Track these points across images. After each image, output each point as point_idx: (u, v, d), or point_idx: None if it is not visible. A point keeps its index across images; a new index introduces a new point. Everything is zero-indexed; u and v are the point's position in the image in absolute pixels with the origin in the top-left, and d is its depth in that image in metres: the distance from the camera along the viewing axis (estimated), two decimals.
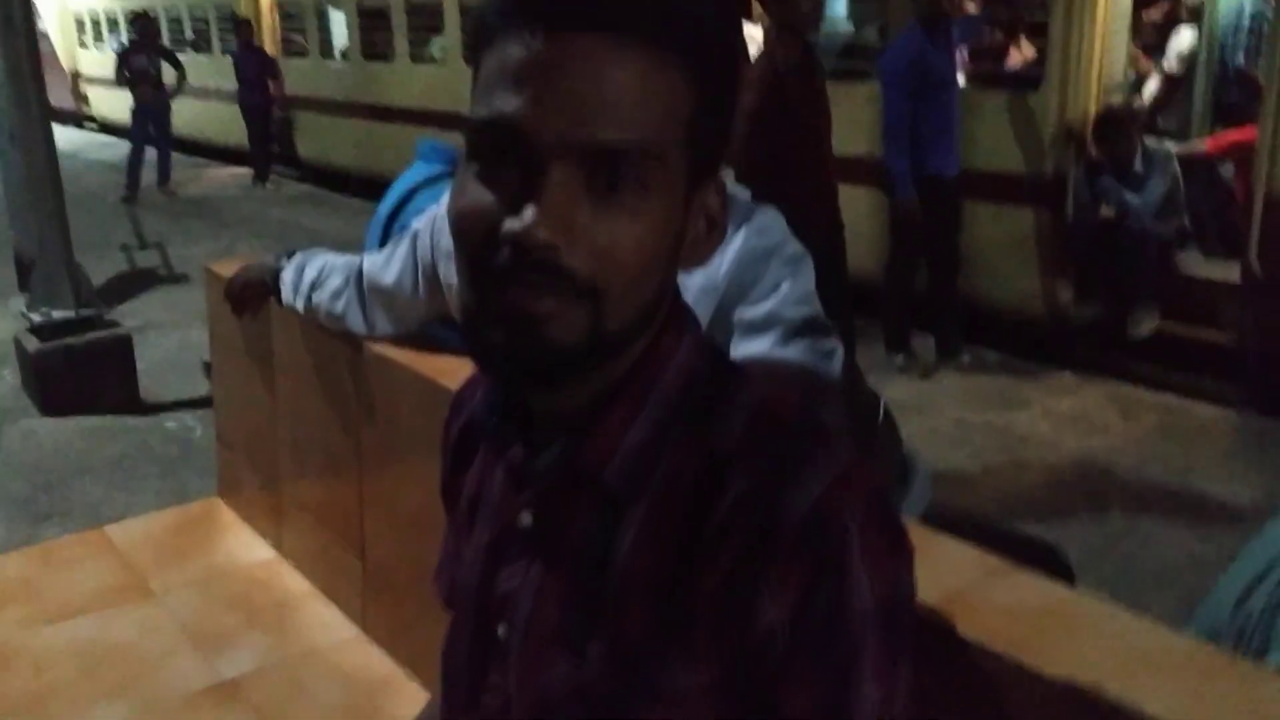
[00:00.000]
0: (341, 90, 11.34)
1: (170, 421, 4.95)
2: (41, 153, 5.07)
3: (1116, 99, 5.65)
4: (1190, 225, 5.58)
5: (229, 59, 11.84)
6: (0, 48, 4.89)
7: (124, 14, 15.49)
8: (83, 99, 18.55)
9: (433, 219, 1.90)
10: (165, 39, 13.41)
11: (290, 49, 12.45)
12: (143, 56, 10.88)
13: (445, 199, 0.93)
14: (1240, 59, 5.82)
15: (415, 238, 1.92)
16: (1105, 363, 5.39)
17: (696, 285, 1.46)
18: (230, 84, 11.62)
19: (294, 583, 2.42)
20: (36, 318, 5.07)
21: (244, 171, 12.39)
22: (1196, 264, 5.55)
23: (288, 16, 12.41)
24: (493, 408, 0.84)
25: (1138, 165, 5.33)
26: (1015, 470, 4.38)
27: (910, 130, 4.92)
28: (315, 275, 2.10)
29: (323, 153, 12.00)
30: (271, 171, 12.02)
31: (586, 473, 0.78)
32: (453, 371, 1.76)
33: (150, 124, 10.99)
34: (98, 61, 17.26)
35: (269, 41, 12.73)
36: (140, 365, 5.27)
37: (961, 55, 5.95)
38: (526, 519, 0.82)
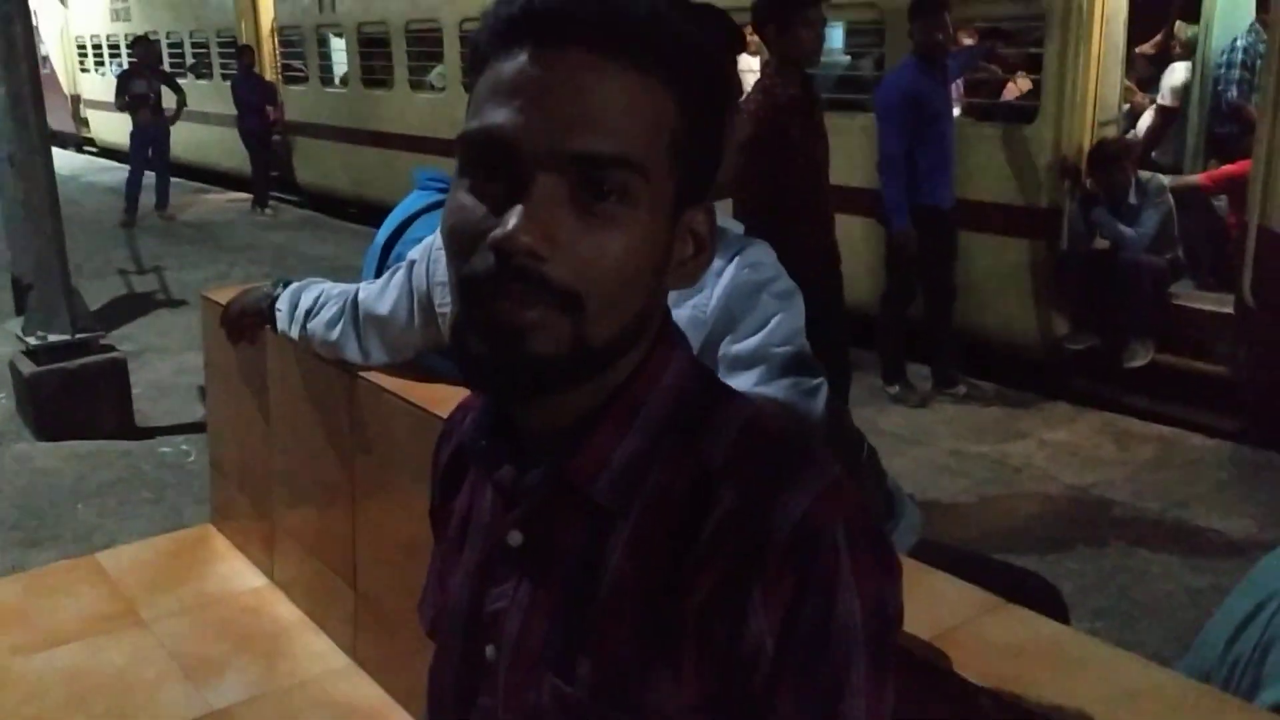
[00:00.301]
0: (341, 117, 11.39)
1: (164, 447, 4.94)
2: (41, 176, 5.08)
3: (1111, 132, 5.69)
4: (1184, 257, 5.60)
5: (229, 84, 11.91)
6: (2, 72, 4.91)
7: (125, 39, 15.59)
8: (83, 122, 18.63)
9: (429, 248, 1.90)
10: (165, 64, 13.49)
11: (290, 75, 12.52)
12: (143, 81, 10.93)
13: None
14: (1234, 93, 5.86)
15: (411, 267, 1.93)
16: (1100, 394, 5.39)
17: (685, 317, 1.47)
18: (230, 109, 11.68)
19: (286, 611, 2.41)
20: (33, 341, 5.07)
21: (242, 197, 12.42)
22: (1191, 296, 5.57)
23: (288, 43, 12.49)
24: (482, 429, 0.85)
25: (1132, 197, 5.36)
26: (1010, 501, 4.37)
27: (906, 162, 4.94)
28: (311, 303, 2.10)
29: (322, 179, 12.04)
30: (270, 197, 12.06)
31: (576, 488, 0.78)
32: (447, 401, 1.75)
33: (149, 148, 11.04)
34: (98, 85, 17.33)
35: (269, 68, 12.80)
36: (135, 390, 5.27)
37: (958, 88, 5.99)
38: (516, 537, 0.82)
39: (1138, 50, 6.67)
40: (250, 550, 2.64)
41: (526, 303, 0.70)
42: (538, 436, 0.81)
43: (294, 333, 2.13)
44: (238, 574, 2.59)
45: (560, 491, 0.79)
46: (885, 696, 0.74)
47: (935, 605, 1.08)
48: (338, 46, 11.75)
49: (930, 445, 4.88)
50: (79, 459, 4.78)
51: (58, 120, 15.10)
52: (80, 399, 5.00)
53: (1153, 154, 6.42)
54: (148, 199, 11.28)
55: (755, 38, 4.09)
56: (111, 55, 16.94)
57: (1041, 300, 5.62)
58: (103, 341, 5.31)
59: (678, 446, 0.78)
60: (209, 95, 13.17)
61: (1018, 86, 6.31)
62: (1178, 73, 6.31)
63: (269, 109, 11.73)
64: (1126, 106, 6.37)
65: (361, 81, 11.13)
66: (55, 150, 5.58)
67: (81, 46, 18.37)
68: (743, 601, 0.71)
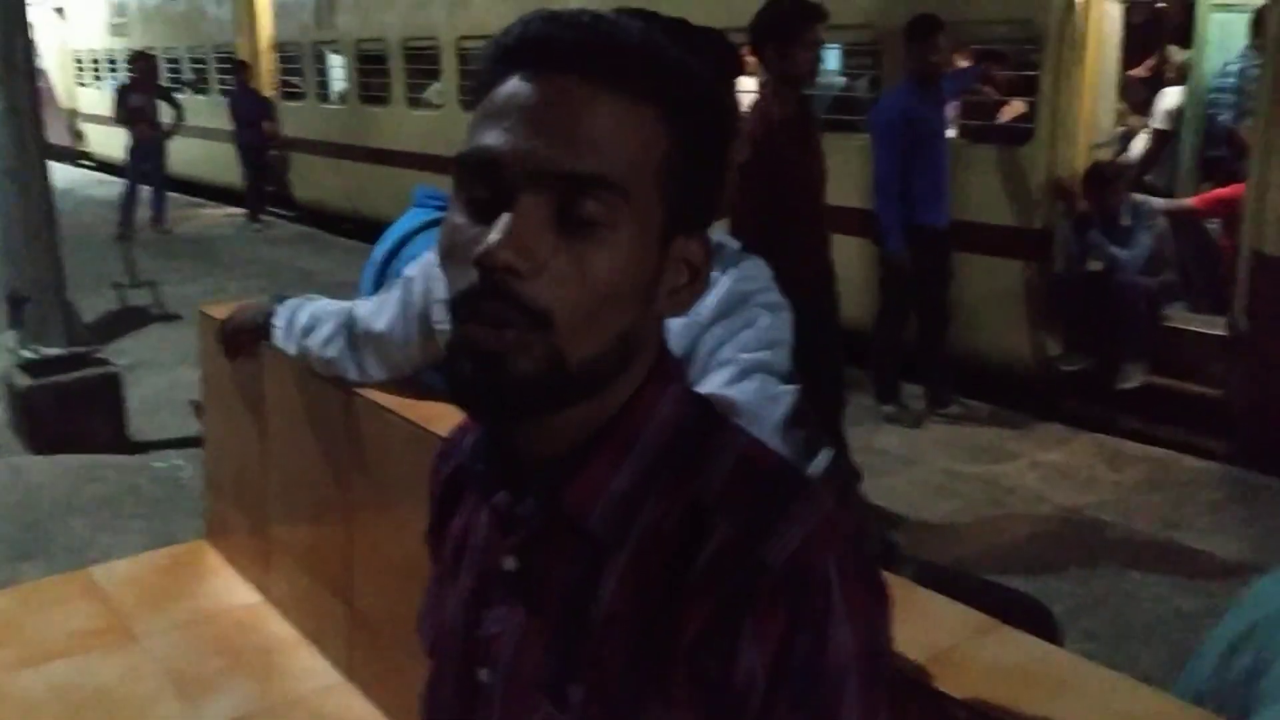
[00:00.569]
0: (338, 133, 11.42)
1: (158, 461, 4.93)
2: (38, 190, 5.09)
3: (1105, 154, 5.73)
4: (1177, 279, 5.63)
5: (226, 100, 11.95)
6: (1, 87, 4.92)
7: (123, 53, 15.63)
8: (79, 136, 18.65)
9: (426, 265, 1.91)
10: (164, 79, 13.52)
11: (288, 92, 12.55)
12: (141, 95, 10.95)
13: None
14: (1227, 117, 5.90)
15: (408, 284, 1.94)
16: (1093, 415, 5.41)
17: (679, 322, 1.48)
18: (227, 124, 11.71)
19: (280, 628, 2.41)
20: (27, 354, 5.06)
21: (238, 211, 12.43)
22: (1183, 318, 5.59)
23: (286, 59, 12.52)
24: (480, 453, 0.86)
25: (1125, 220, 5.39)
26: (1003, 522, 4.38)
27: (901, 183, 4.97)
28: (308, 320, 2.11)
29: (318, 195, 12.06)
30: (265, 212, 12.07)
31: (570, 518, 0.79)
32: (444, 418, 1.76)
33: (146, 162, 11.05)
34: (96, 100, 17.36)
35: (266, 84, 12.84)
36: (130, 404, 5.26)
37: (953, 109, 6.03)
38: (511, 563, 0.83)
39: (1131, 73, 6.71)
40: (244, 566, 2.63)
41: (503, 324, 0.72)
42: (534, 464, 0.81)
43: (291, 349, 2.14)
44: (231, 590, 2.59)
45: (555, 520, 0.80)
46: None
47: (927, 626, 1.09)
48: (336, 63, 11.79)
49: (923, 465, 4.89)
50: (72, 473, 4.77)
51: (55, 134, 15.12)
52: (74, 413, 4.99)
53: (1146, 177, 6.46)
54: (143, 213, 11.28)
55: (752, 58, 4.10)
56: (110, 70, 16.97)
57: (1035, 321, 5.64)
58: (97, 355, 5.30)
59: (672, 479, 0.78)
60: (206, 111, 13.20)
61: (1012, 109, 6.35)
62: (1171, 96, 6.35)
63: (266, 124, 11.77)
64: (1120, 130, 6.41)
65: (359, 98, 11.16)
66: (51, 164, 5.58)
67: (79, 61, 18.41)
68: (735, 634, 0.72)
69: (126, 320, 7.64)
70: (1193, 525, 4.28)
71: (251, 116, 11.54)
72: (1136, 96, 6.85)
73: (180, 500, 4.42)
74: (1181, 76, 6.45)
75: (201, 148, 13.33)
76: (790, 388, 1.47)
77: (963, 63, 6.27)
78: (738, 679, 0.72)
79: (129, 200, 11.14)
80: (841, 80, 7.51)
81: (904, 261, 5.03)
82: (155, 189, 11.37)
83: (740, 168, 1.41)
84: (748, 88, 5.20)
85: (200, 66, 14.37)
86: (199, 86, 14.31)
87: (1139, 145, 6.67)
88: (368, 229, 10.05)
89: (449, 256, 0.76)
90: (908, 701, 0.84)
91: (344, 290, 2.21)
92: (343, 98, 11.66)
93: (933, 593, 1.16)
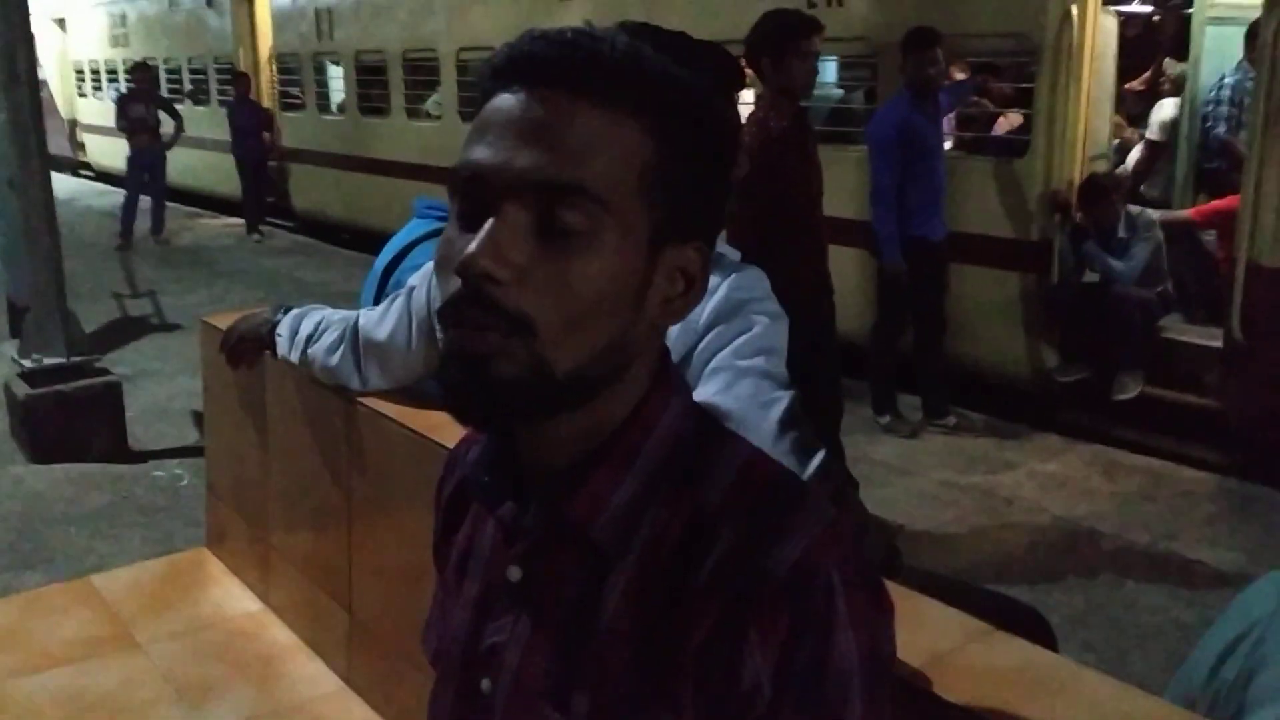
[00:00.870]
0: (337, 144, 11.45)
1: (158, 470, 4.94)
2: (40, 200, 5.11)
3: (1101, 166, 5.75)
4: (1173, 291, 5.65)
5: (225, 110, 11.99)
6: (3, 97, 4.94)
7: (124, 64, 15.68)
8: (80, 147, 18.68)
9: (428, 275, 1.93)
10: (164, 90, 13.56)
11: (288, 103, 12.58)
12: (141, 105, 10.98)
13: None
14: (1222, 129, 5.93)
15: (410, 294, 1.96)
16: (1090, 426, 5.42)
17: (676, 327, 1.49)
18: (227, 135, 11.74)
19: (280, 635, 2.42)
20: (28, 363, 5.08)
21: (238, 222, 12.46)
22: (1180, 329, 5.61)
23: (286, 70, 12.56)
24: (485, 465, 0.87)
25: (1122, 231, 5.41)
26: (1000, 532, 4.39)
27: (897, 195, 4.99)
28: (311, 329, 2.13)
29: (317, 205, 12.09)
30: (264, 222, 12.09)
31: (574, 529, 0.80)
32: (445, 427, 1.78)
33: (145, 173, 11.07)
34: (96, 110, 17.40)
35: (266, 95, 12.87)
36: (130, 413, 5.27)
37: (949, 121, 6.06)
38: (515, 573, 0.84)
39: (1127, 86, 6.75)
40: (245, 574, 2.64)
41: (485, 329, 0.74)
42: (538, 475, 0.83)
43: (294, 358, 2.16)
44: (232, 597, 2.60)
45: (559, 531, 0.81)
46: None
47: (924, 631, 1.11)
48: (335, 74, 11.82)
49: (920, 476, 4.90)
50: (72, 482, 4.78)
51: (55, 144, 15.09)
52: (74, 422, 5.00)
53: (1141, 188, 6.49)
54: (143, 223, 11.31)
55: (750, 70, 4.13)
56: (110, 80, 17.01)
57: (1032, 332, 5.66)
58: (97, 365, 5.32)
59: (675, 489, 0.79)
60: (206, 121, 13.23)
61: (1009, 121, 6.38)
62: (1166, 108, 6.38)
63: (265, 135, 11.81)
64: (1116, 142, 6.44)
65: (358, 109, 11.19)
66: (52, 174, 5.60)
67: (80, 71, 18.45)
68: (739, 643, 0.73)
69: (126, 330, 7.65)
70: (1189, 535, 4.29)
71: (251, 127, 11.58)
72: (1133, 109, 6.89)
73: (180, 509, 4.43)
74: (1177, 89, 6.48)
75: (201, 158, 13.36)
76: (785, 392, 1.48)
77: (960, 75, 6.30)
78: (742, 686, 0.73)
79: (129, 210, 11.16)
80: (839, 92, 7.54)
81: (901, 273, 5.05)
82: (154, 199, 11.39)
83: (738, 179, 1.43)
84: (745, 99, 5.23)
85: (200, 77, 14.40)
86: (199, 97, 14.35)
87: (1135, 157, 6.70)
88: (366, 239, 10.08)
89: (441, 266, 0.78)
90: (905, 705, 0.85)
91: (344, 300, 2.23)
92: (342, 109, 11.69)
93: (928, 598, 1.18)
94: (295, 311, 2.22)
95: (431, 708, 0.94)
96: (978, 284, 5.69)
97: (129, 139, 10.95)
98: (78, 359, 5.17)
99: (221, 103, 13.19)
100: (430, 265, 1.95)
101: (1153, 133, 6.48)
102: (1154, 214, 5.68)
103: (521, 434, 0.83)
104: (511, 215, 0.74)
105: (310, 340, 2.11)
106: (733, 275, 1.57)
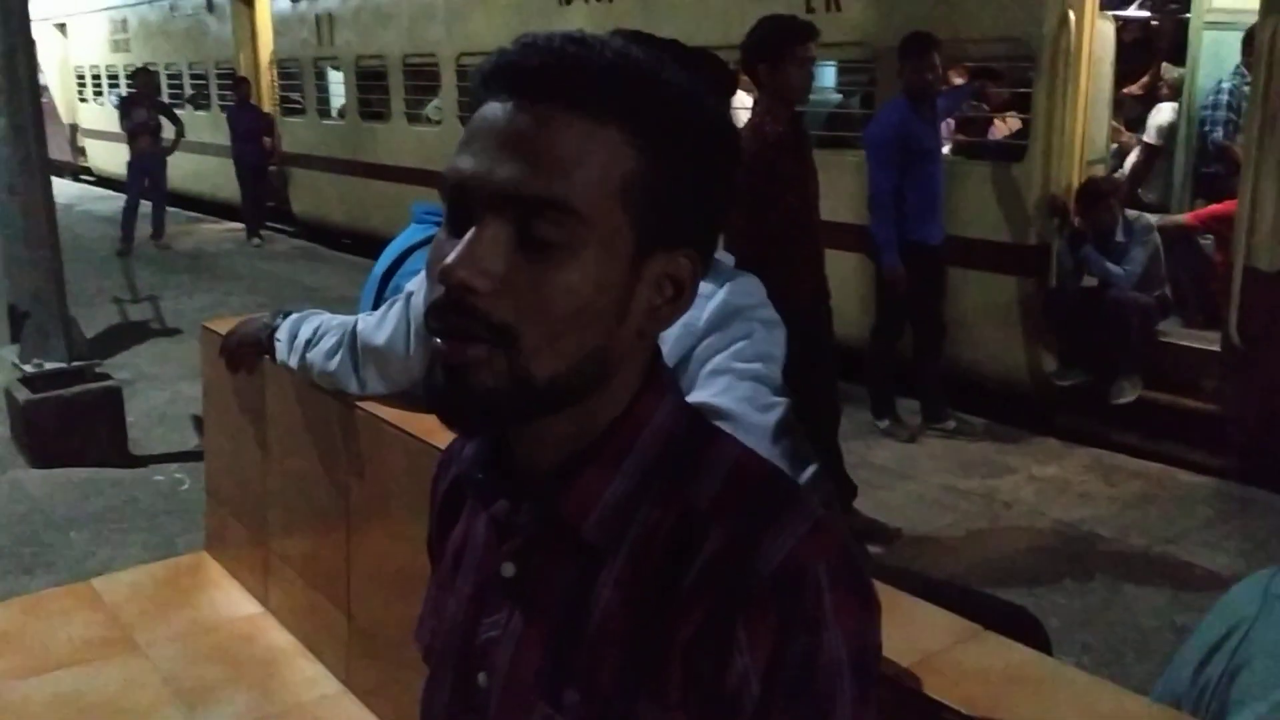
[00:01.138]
0: (338, 149, 11.47)
1: (158, 475, 4.95)
2: (40, 206, 5.12)
3: (1099, 171, 5.77)
4: (1171, 295, 5.66)
5: (226, 115, 12.02)
6: (5, 104, 4.96)
7: (125, 69, 15.71)
8: (80, 152, 18.70)
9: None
10: (164, 95, 13.58)
11: (288, 107, 12.61)
12: (143, 109, 11.01)
13: None
14: (1219, 134, 5.95)
15: (409, 299, 1.97)
16: (1088, 430, 5.43)
17: (674, 333, 1.51)
18: (227, 140, 11.77)
19: (279, 638, 2.43)
20: (28, 368, 5.09)
21: (239, 226, 12.48)
22: (1178, 333, 5.63)
23: (286, 75, 12.59)
24: (479, 463, 0.88)
25: (1119, 235, 5.42)
26: (998, 536, 4.40)
27: (896, 199, 5.00)
28: (310, 334, 2.14)
29: (317, 210, 12.11)
30: (263, 227, 12.11)
31: (566, 526, 0.82)
32: (442, 431, 1.78)
33: (146, 177, 11.10)
34: (97, 115, 17.43)
35: (267, 100, 12.90)
36: (130, 418, 5.28)
37: (947, 126, 6.07)
38: (509, 569, 0.85)
39: (1125, 91, 6.77)
40: (244, 577, 2.66)
41: (466, 338, 0.75)
42: (532, 473, 0.84)
43: (293, 362, 2.17)
44: (232, 601, 2.61)
45: (551, 528, 0.82)
46: None
47: (914, 632, 1.12)
48: (335, 79, 11.85)
49: (919, 480, 4.91)
50: (73, 487, 4.79)
51: (56, 149, 15.14)
52: (75, 427, 5.01)
53: (1139, 192, 6.50)
54: (143, 228, 11.33)
55: (746, 75, 4.15)
56: (111, 85, 17.04)
57: (1030, 336, 5.67)
58: (98, 370, 5.33)
59: (666, 487, 0.81)
60: (207, 126, 13.25)
61: (1006, 125, 6.40)
62: (1164, 112, 6.40)
63: (266, 140, 11.84)
64: (1114, 146, 6.46)
65: (359, 114, 11.21)
66: (52, 179, 5.62)
67: (80, 76, 18.48)
68: (728, 639, 0.74)
69: (127, 335, 7.67)
70: (1188, 539, 4.30)
71: (251, 132, 11.60)
72: (1131, 114, 6.91)
73: (180, 513, 4.44)
74: (1175, 94, 6.50)
75: (202, 163, 13.38)
76: (782, 399, 1.50)
77: (957, 80, 6.32)
78: (731, 683, 0.74)
79: (130, 215, 11.18)
80: (836, 97, 7.56)
81: (899, 277, 5.06)
82: (155, 204, 11.41)
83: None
84: (743, 104, 5.26)
85: (201, 82, 14.43)
86: (199, 102, 14.38)
87: (1133, 162, 6.72)
88: (366, 244, 10.10)
89: (429, 271, 0.79)
90: (895, 705, 0.86)
91: (344, 305, 2.24)
92: (342, 114, 11.72)
93: (918, 599, 1.19)
94: (294, 316, 2.23)
95: (425, 701, 0.95)
96: (976, 288, 5.70)
97: (130, 143, 10.98)
98: (78, 364, 5.18)
99: (222, 108, 13.22)
100: None
101: (1150, 137, 6.50)
102: (1152, 218, 5.69)
103: (514, 433, 0.84)
104: (492, 226, 0.75)
105: (309, 345, 2.12)
106: (731, 281, 1.58)
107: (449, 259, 0.75)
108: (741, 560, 0.75)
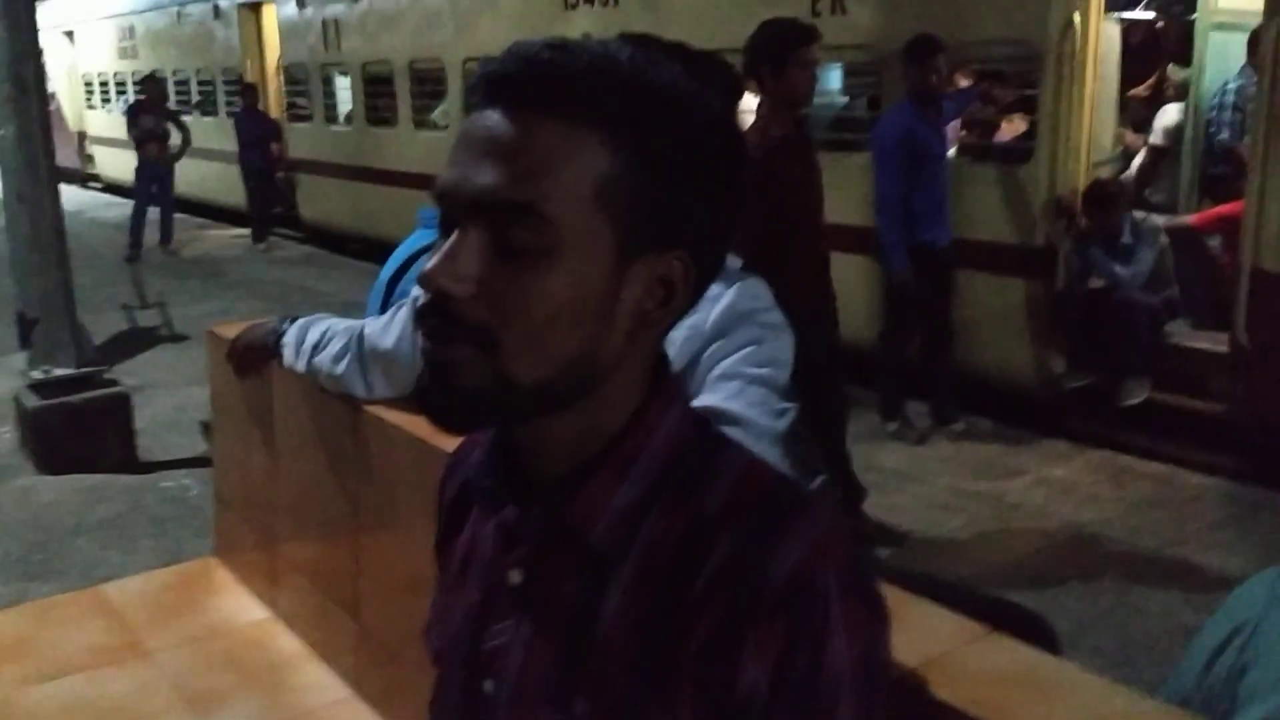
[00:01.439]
0: (345, 154, 11.50)
1: (166, 481, 4.96)
2: (48, 213, 5.15)
3: (1106, 172, 5.76)
4: (1179, 296, 5.65)
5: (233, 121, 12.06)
6: (13, 111, 4.98)
7: (132, 76, 15.77)
8: (88, 159, 18.77)
9: None
10: (172, 101, 13.63)
11: (295, 113, 12.64)
12: (151, 116, 11.06)
13: None
14: (1225, 135, 5.93)
15: (415, 303, 1.97)
16: (1097, 431, 5.42)
17: (686, 323, 1.51)
18: (235, 146, 11.81)
19: (288, 644, 2.43)
20: (37, 375, 5.11)
21: (246, 232, 12.51)
22: (1186, 335, 5.61)
23: (293, 81, 12.62)
24: (487, 469, 0.88)
25: (1126, 237, 5.41)
26: (1007, 538, 4.39)
27: (903, 202, 5.00)
28: (317, 338, 2.15)
29: (325, 215, 12.13)
30: (270, 233, 12.14)
31: (575, 534, 0.81)
32: (449, 435, 1.79)
33: (154, 184, 11.13)
34: (105, 122, 17.48)
35: (274, 106, 12.93)
36: (138, 424, 5.30)
37: (953, 128, 6.07)
38: (516, 577, 0.85)
39: (1132, 93, 6.75)
40: (253, 583, 2.66)
41: (448, 340, 0.77)
42: (540, 480, 0.84)
43: (300, 367, 2.17)
44: (240, 606, 2.61)
45: (560, 535, 0.82)
46: None
47: (920, 633, 1.12)
48: (342, 85, 11.87)
49: (928, 482, 4.90)
50: (82, 493, 4.81)
51: (64, 156, 15.16)
52: (84, 433, 5.03)
53: (1146, 194, 6.49)
54: (151, 234, 11.36)
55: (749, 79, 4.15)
56: (119, 92, 17.10)
57: (1038, 338, 5.66)
58: (106, 376, 5.35)
59: (674, 495, 0.80)
60: (214, 132, 13.29)
61: (1013, 127, 6.39)
62: (1170, 113, 6.39)
63: (274, 146, 11.87)
64: (1120, 148, 6.44)
65: (366, 119, 11.24)
66: (60, 186, 5.64)
67: (88, 84, 18.55)
68: (737, 648, 0.74)
69: (135, 341, 7.69)
70: (1196, 541, 4.29)
71: (258, 138, 11.64)
72: (1137, 116, 6.89)
73: (188, 519, 4.45)
74: (1181, 95, 6.48)
75: (210, 169, 13.42)
76: (790, 405, 1.50)
77: (963, 82, 6.31)
78: (740, 690, 0.74)
79: (138, 221, 11.22)
80: (842, 100, 7.55)
81: (907, 280, 5.06)
82: (163, 210, 11.45)
83: None
84: (748, 107, 5.25)
85: (208, 89, 14.48)
86: (206, 109, 14.42)
87: (1139, 163, 6.70)
88: (374, 249, 10.11)
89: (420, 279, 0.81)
90: (901, 707, 0.86)
91: (351, 310, 2.25)
92: (349, 119, 11.74)
93: (924, 600, 1.19)
94: (301, 321, 2.24)
95: (433, 706, 0.95)
96: (983, 290, 5.69)
97: (137, 150, 11.01)
98: (87, 370, 5.20)
99: (229, 114, 13.26)
100: None
101: (1155, 136, 6.49)
102: (1159, 219, 5.68)
103: (522, 439, 0.84)
104: (471, 233, 0.77)
105: (316, 349, 2.13)
106: (738, 284, 1.58)
107: (429, 265, 0.77)
108: (751, 568, 0.75)
